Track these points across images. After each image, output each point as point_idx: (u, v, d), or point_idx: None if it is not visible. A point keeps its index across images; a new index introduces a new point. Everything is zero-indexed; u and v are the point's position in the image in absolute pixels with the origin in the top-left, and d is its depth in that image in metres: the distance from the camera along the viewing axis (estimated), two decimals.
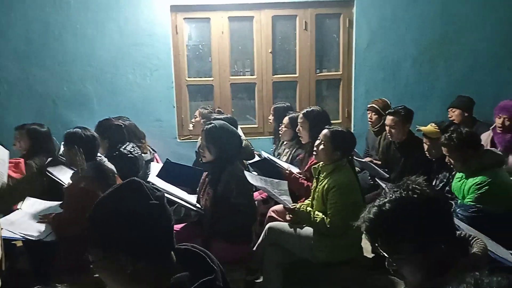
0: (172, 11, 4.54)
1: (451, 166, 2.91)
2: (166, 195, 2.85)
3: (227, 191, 2.66)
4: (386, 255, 1.30)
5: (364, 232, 1.31)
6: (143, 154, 3.81)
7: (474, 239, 1.33)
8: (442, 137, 2.89)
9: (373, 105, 4.09)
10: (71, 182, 2.72)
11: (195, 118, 4.16)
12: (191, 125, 4.48)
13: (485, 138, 3.62)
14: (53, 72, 4.47)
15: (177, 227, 2.91)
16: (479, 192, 2.67)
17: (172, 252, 1.18)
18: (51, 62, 4.45)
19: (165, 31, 4.52)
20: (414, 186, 1.28)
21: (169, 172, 3.18)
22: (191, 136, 4.70)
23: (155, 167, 3.49)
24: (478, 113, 4.19)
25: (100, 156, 2.97)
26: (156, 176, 3.15)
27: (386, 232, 1.27)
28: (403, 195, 1.26)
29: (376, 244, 1.30)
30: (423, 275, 1.25)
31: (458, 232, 1.37)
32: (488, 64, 4.71)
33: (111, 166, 2.94)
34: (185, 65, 4.71)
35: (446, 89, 4.69)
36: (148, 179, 2.89)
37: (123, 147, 3.51)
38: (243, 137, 3.40)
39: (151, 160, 4.03)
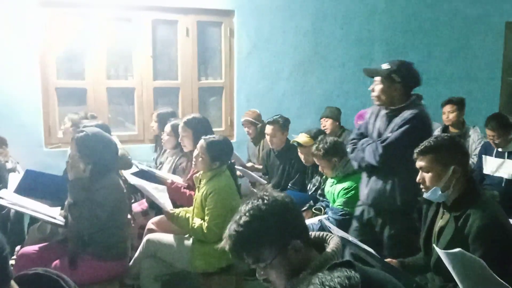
0: (41, 6, 4.10)
1: (323, 172, 3.14)
2: (23, 211, 2.55)
3: (100, 204, 2.46)
4: (254, 266, 1.34)
5: (229, 251, 1.33)
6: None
7: (330, 237, 1.42)
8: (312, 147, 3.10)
9: (246, 118, 4.27)
10: None
11: (65, 124, 3.81)
12: (60, 132, 4.09)
13: None
14: None
15: (36, 247, 2.61)
16: (346, 196, 2.91)
17: (11, 282, 1.03)
18: None
19: (32, 27, 4.05)
20: (262, 194, 1.35)
21: (32, 183, 2.84)
22: (60, 144, 4.27)
23: (15, 178, 3.10)
24: (345, 122, 4.59)
25: None
26: (16, 189, 2.79)
27: (248, 244, 1.31)
28: (255, 205, 1.32)
29: (243, 259, 1.33)
30: (286, 276, 1.31)
31: (316, 233, 1.46)
32: (353, 77, 5.15)
33: None
34: (54, 66, 4.29)
35: (318, 100, 5.02)
36: None
37: None
38: (119, 145, 3.20)
39: (13, 170, 3.58)
